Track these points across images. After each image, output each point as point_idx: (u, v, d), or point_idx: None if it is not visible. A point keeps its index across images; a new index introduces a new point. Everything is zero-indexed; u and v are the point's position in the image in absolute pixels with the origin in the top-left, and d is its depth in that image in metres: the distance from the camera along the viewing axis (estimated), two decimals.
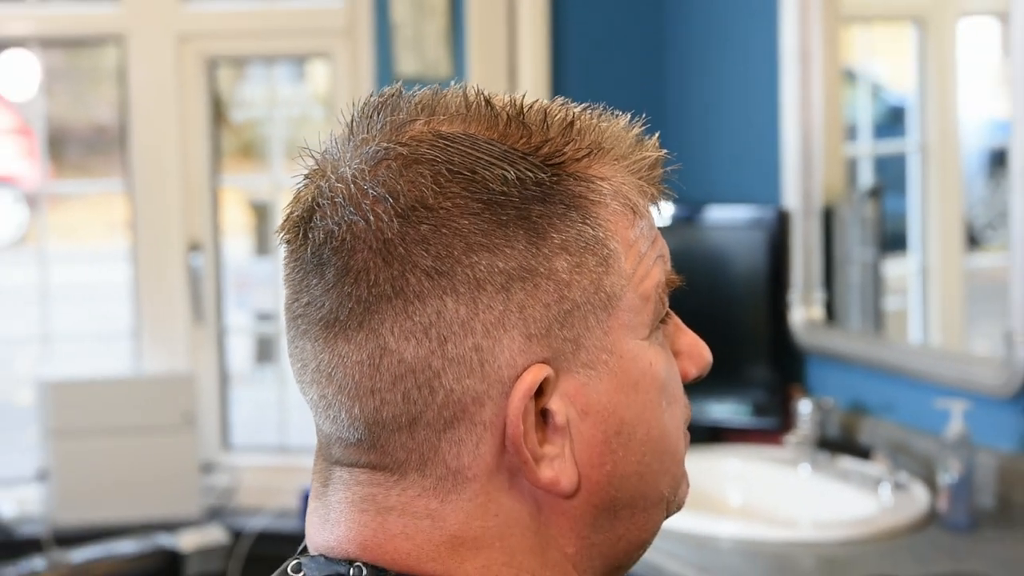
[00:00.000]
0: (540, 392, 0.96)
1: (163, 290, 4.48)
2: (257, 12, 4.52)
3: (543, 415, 0.97)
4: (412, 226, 0.95)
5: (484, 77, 4.06)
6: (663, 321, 1.04)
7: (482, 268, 0.95)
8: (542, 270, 0.96)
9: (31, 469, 4.37)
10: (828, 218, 3.74)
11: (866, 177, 3.94)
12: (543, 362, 0.96)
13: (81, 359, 5.16)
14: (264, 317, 4.74)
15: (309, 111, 6.16)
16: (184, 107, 4.46)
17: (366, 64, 4.33)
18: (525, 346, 0.96)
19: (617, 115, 1.04)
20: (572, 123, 1.00)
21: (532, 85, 4.05)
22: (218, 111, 4.73)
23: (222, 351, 4.59)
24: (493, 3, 4.19)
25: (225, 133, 5.20)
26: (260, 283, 4.61)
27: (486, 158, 0.97)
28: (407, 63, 4.23)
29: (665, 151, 1.05)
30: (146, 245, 4.48)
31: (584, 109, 1.03)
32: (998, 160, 3.49)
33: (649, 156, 1.03)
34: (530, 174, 0.97)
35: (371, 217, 0.96)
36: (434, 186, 0.96)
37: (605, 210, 0.99)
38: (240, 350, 5.01)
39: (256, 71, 5.34)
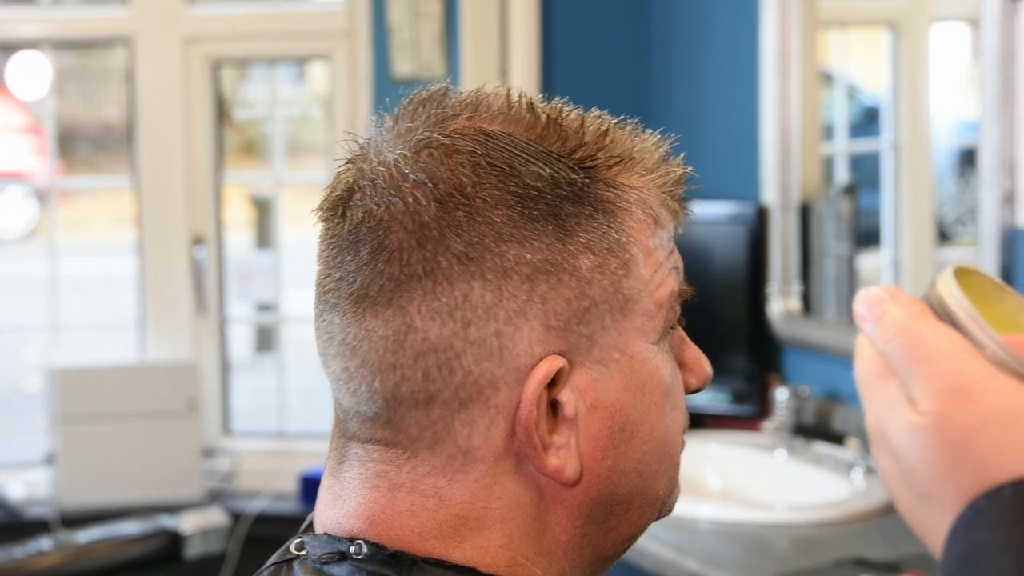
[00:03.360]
0: (553, 383, 0.98)
1: (167, 282, 4.50)
2: (260, 15, 4.54)
3: (553, 406, 0.99)
4: (448, 212, 0.98)
5: (476, 78, 4.06)
6: (672, 329, 1.07)
7: (510, 258, 0.98)
8: (566, 266, 0.99)
9: (39, 453, 4.39)
10: (805, 214, 3.74)
11: (842, 174, 3.94)
12: (559, 354, 0.99)
13: (88, 347, 5.17)
14: (264, 308, 4.77)
15: (309, 111, 6.16)
16: (189, 106, 4.48)
17: (364, 65, 4.34)
18: (544, 336, 0.98)
19: (647, 132, 1.06)
20: (606, 132, 1.03)
21: (522, 86, 4.00)
22: (222, 110, 4.73)
23: (224, 340, 4.60)
24: (486, 8, 4.20)
25: (228, 131, 5.23)
26: (261, 275, 4.65)
27: (523, 155, 0.99)
28: (403, 65, 4.25)
29: (690, 169, 1.07)
30: (151, 238, 4.50)
31: (618, 122, 1.05)
32: (967, 159, 3.48)
33: (675, 172, 1.05)
34: (564, 175, 0.99)
35: (410, 200, 0.98)
36: (473, 176, 0.98)
37: (630, 217, 1.02)
38: (241, 339, 5.04)
39: (258, 72, 5.36)
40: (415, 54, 4.27)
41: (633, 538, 1.06)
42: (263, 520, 4.24)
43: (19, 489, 4.38)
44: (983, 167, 3.08)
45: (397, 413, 1.00)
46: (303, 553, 1.04)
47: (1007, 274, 3.09)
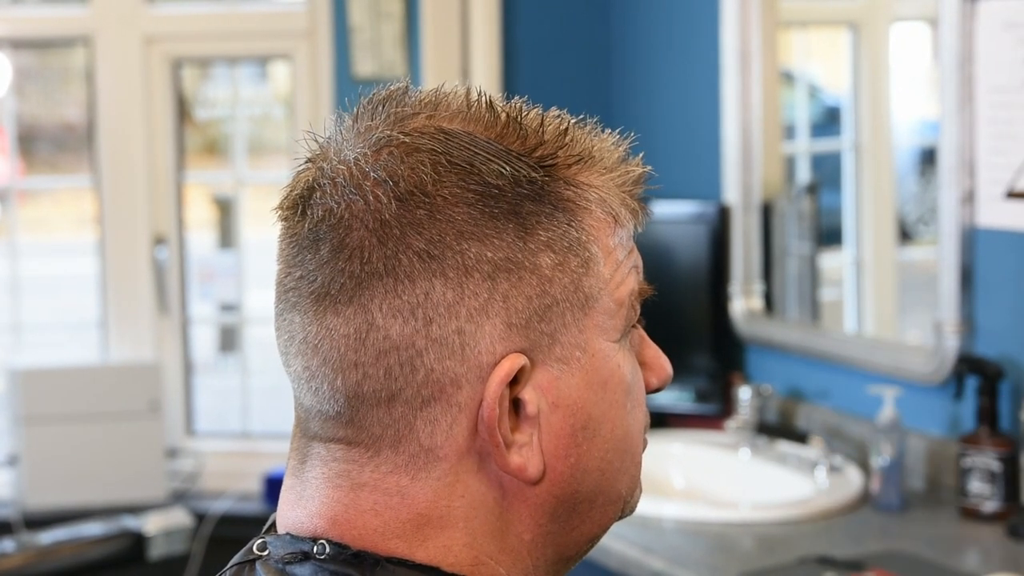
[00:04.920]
0: (515, 381, 0.98)
1: (129, 282, 4.49)
2: (221, 15, 4.53)
3: (515, 404, 0.99)
4: (409, 210, 0.97)
5: (438, 78, 4.02)
6: (632, 328, 1.06)
7: (471, 256, 0.97)
8: (527, 264, 0.98)
9: (1, 454, 4.38)
10: (767, 213, 3.75)
11: (803, 174, 3.96)
12: (520, 352, 0.98)
13: (50, 348, 5.16)
14: (227, 308, 4.77)
15: (270, 110, 6.16)
16: (150, 106, 4.47)
17: (325, 65, 4.34)
18: (505, 334, 0.98)
19: (606, 131, 1.06)
20: (566, 131, 1.03)
21: (484, 85, 3.98)
22: (183, 110, 4.71)
23: (186, 341, 4.58)
24: (447, 8, 4.20)
25: (189, 131, 5.22)
26: (223, 275, 4.64)
27: (484, 154, 0.99)
28: (364, 64, 4.26)
29: (649, 168, 1.07)
30: (113, 239, 4.49)
31: (577, 121, 1.05)
32: (928, 158, 3.50)
33: (634, 172, 1.05)
34: (524, 173, 0.99)
35: (370, 198, 0.98)
36: (433, 174, 0.98)
37: (589, 216, 1.01)
38: (204, 340, 5.04)
39: (220, 71, 5.35)
40: (376, 54, 4.26)
41: (596, 537, 1.06)
42: (227, 521, 4.23)
43: None
44: (943, 166, 3.11)
45: (359, 412, 0.99)
46: (265, 553, 1.03)
47: (967, 273, 3.11)
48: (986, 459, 2.99)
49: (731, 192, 3.79)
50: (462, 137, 1.00)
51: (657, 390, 1.10)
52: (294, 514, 1.03)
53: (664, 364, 1.10)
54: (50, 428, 4.27)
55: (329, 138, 1.04)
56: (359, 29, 4.27)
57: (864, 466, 3.29)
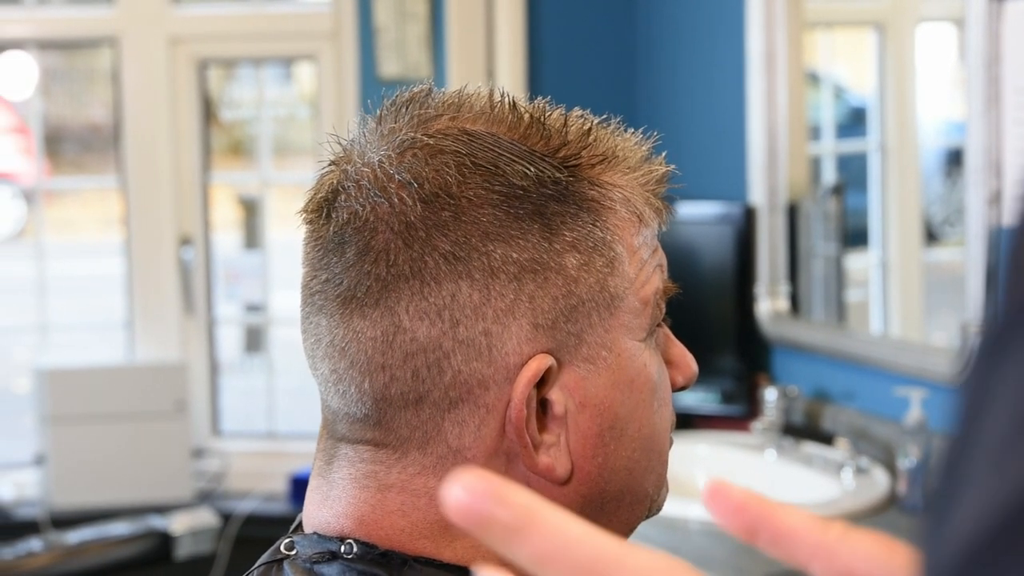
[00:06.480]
0: (542, 382, 0.99)
1: (155, 282, 4.50)
2: (246, 16, 4.54)
3: (542, 404, 1.00)
4: (434, 211, 0.98)
5: (463, 79, 3.96)
6: (658, 326, 1.07)
7: (497, 257, 0.98)
8: (553, 265, 0.99)
9: (29, 454, 4.37)
10: (793, 214, 3.74)
11: (829, 175, 3.95)
12: (547, 352, 0.99)
13: (77, 349, 5.17)
14: (252, 308, 4.78)
15: (295, 111, 6.18)
16: (176, 107, 4.47)
17: (350, 66, 4.34)
18: (532, 335, 0.99)
19: (629, 131, 1.07)
20: (589, 131, 1.04)
21: (509, 86, 3.99)
22: (208, 111, 4.72)
23: (212, 341, 4.59)
24: (472, 8, 4.20)
25: (215, 132, 5.22)
26: (248, 276, 4.65)
27: (508, 155, 1.00)
28: (389, 65, 4.26)
29: (673, 167, 1.08)
30: (139, 239, 4.50)
31: (600, 121, 1.06)
32: (954, 159, 3.49)
33: (658, 171, 1.06)
34: (548, 173, 1.00)
35: (395, 200, 0.98)
36: (458, 176, 0.98)
37: (614, 215, 1.02)
38: (229, 340, 5.03)
39: (245, 72, 5.36)
40: (401, 55, 4.27)
41: (624, 537, 1.05)
42: (253, 521, 4.23)
43: (9, 490, 4.38)
44: (970, 167, 3.09)
45: (387, 414, 1.00)
46: (293, 553, 1.04)
47: (993, 275, 3.09)
48: None
49: (757, 193, 3.78)
50: (486, 138, 1.01)
51: (683, 388, 1.10)
52: (321, 514, 1.04)
53: (690, 362, 1.11)
54: (77, 428, 4.27)
55: (353, 140, 1.05)
56: (384, 30, 4.27)
57: (891, 468, 3.27)
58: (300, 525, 1.08)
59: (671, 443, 1.08)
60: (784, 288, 3.78)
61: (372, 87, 4.25)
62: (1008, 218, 2.98)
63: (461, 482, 0.60)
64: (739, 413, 3.79)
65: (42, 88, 4.97)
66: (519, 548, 0.61)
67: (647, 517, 1.08)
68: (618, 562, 0.61)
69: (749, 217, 3.79)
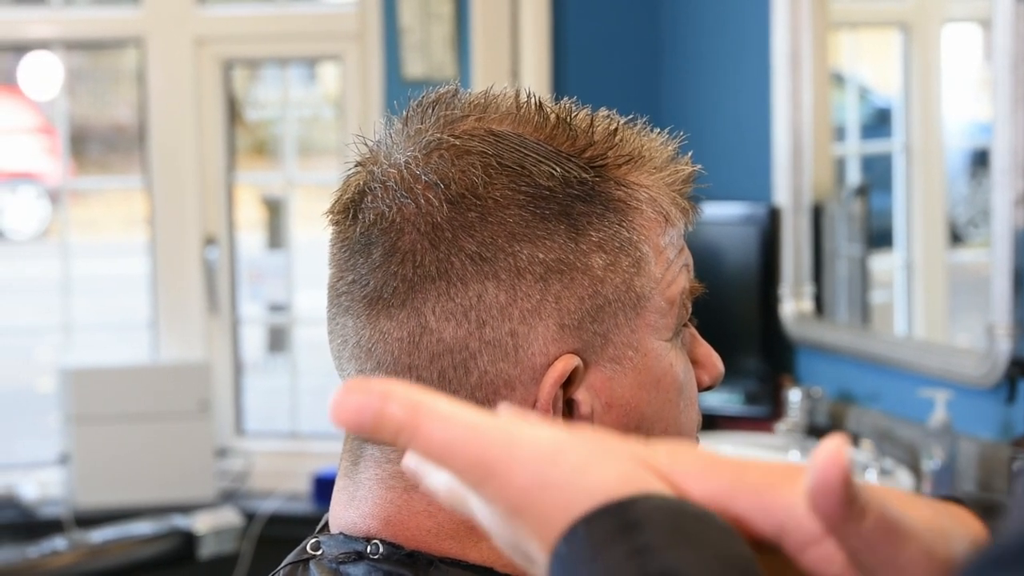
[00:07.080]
0: (568, 382, 0.99)
1: (180, 282, 4.51)
2: (271, 16, 4.56)
3: (568, 405, 1.00)
4: (461, 212, 0.98)
5: (488, 79, 4.00)
6: (684, 326, 1.07)
7: (523, 257, 0.98)
8: (579, 265, 0.99)
9: (53, 453, 4.39)
10: (817, 215, 3.72)
11: (853, 176, 3.94)
12: (573, 353, 0.99)
13: (101, 348, 5.18)
14: (276, 308, 4.80)
15: (320, 111, 6.20)
16: (200, 107, 4.48)
17: (375, 66, 4.34)
18: (558, 335, 0.98)
19: (655, 131, 1.07)
20: (615, 131, 1.04)
21: (533, 87, 3.96)
22: (233, 111, 4.73)
23: (236, 341, 4.61)
24: (497, 9, 4.20)
25: (239, 132, 5.24)
26: (272, 276, 4.67)
27: (534, 155, 1.00)
28: (414, 66, 4.26)
29: (699, 166, 1.08)
30: (163, 239, 4.51)
31: (627, 121, 1.06)
32: (980, 160, 3.48)
33: (684, 171, 1.06)
34: (574, 174, 1.00)
35: (422, 201, 0.99)
36: (484, 176, 0.98)
37: (640, 216, 1.02)
38: (253, 340, 5.05)
39: (270, 73, 5.38)
40: (426, 55, 4.27)
41: None
42: (276, 520, 4.24)
43: (33, 489, 4.39)
44: (996, 168, 3.07)
45: None
46: (319, 553, 1.04)
47: (1020, 276, 3.08)
48: None
49: (781, 194, 3.77)
50: (512, 139, 1.01)
51: (709, 388, 1.10)
52: (347, 514, 1.04)
53: (716, 362, 1.10)
54: (101, 427, 4.29)
55: (379, 141, 1.05)
56: (409, 30, 4.28)
57: (915, 470, 3.25)
58: (326, 525, 1.08)
59: (697, 443, 1.09)
60: (808, 289, 3.75)
61: (397, 88, 4.25)
62: None
63: (347, 386, 0.62)
64: (763, 414, 3.77)
65: (67, 88, 4.98)
66: (414, 445, 0.64)
67: None
68: (507, 452, 0.64)
69: (774, 218, 3.77)
